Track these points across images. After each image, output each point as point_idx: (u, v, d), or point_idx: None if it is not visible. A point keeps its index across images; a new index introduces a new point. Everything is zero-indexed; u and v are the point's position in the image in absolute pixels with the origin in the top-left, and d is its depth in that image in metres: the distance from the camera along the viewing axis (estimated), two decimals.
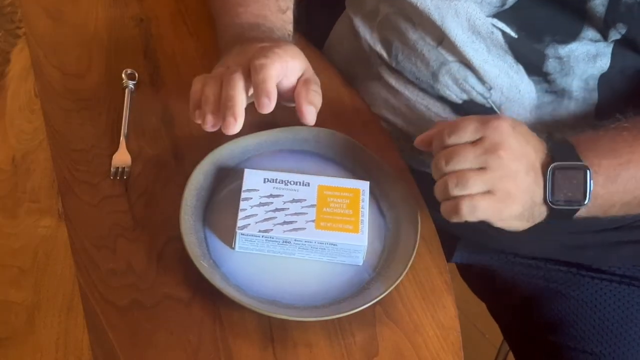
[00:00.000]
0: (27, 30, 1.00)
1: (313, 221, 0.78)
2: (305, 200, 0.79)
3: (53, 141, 0.88)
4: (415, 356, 0.75)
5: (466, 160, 0.70)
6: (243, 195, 0.79)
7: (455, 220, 0.72)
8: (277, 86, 0.79)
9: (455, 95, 0.87)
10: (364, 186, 0.81)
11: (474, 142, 0.71)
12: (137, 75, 0.95)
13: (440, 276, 0.81)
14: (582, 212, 0.74)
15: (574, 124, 0.85)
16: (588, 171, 0.72)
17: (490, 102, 0.86)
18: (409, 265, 0.77)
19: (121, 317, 0.75)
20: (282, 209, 0.78)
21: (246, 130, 0.87)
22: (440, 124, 0.74)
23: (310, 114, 0.80)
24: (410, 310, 0.78)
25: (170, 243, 0.80)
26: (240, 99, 0.77)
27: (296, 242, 0.77)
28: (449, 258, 1.02)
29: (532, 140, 0.74)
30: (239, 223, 0.77)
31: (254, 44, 0.82)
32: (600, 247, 0.96)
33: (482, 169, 0.70)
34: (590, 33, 0.80)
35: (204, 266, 0.76)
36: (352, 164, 0.86)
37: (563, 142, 0.75)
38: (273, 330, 0.75)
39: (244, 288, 0.77)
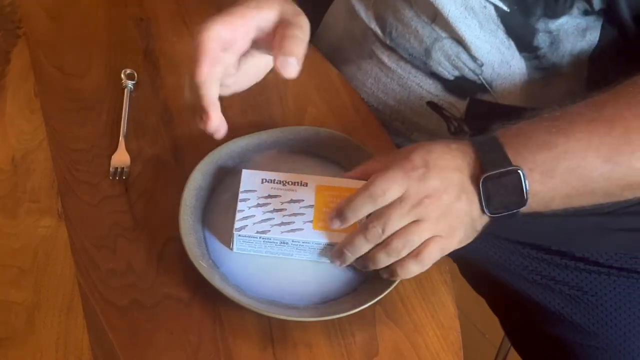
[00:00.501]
0: (27, 30, 1.00)
1: (311, 222, 0.77)
2: (304, 200, 0.79)
3: (53, 141, 0.88)
4: (415, 356, 0.75)
5: (400, 221, 0.72)
6: (241, 196, 0.78)
7: (415, 274, 0.74)
8: (258, 42, 0.73)
9: (447, 71, 0.88)
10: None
11: (400, 199, 0.71)
12: (136, 75, 0.95)
13: (440, 276, 0.81)
14: (523, 209, 0.74)
15: (564, 99, 0.85)
16: (520, 172, 0.71)
17: (482, 79, 0.87)
18: None
19: (121, 317, 0.75)
20: (280, 210, 0.78)
21: (246, 130, 0.87)
22: (376, 161, 0.77)
23: (286, 67, 0.69)
24: (410, 310, 0.78)
25: (170, 243, 0.80)
26: (206, 88, 0.69)
27: (294, 242, 0.77)
28: None
29: (451, 160, 0.73)
30: (237, 224, 0.77)
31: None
32: (589, 234, 0.96)
33: (417, 221, 0.72)
34: (575, 3, 0.80)
35: (203, 266, 0.76)
36: (351, 163, 0.86)
37: (491, 142, 0.73)
38: (273, 330, 0.75)
39: (244, 288, 0.77)
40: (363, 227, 0.73)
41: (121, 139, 0.88)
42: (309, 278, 0.79)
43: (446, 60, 0.88)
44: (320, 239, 0.77)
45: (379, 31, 0.93)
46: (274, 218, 0.77)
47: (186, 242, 0.77)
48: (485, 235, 1.01)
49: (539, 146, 0.73)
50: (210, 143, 0.85)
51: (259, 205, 0.78)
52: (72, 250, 0.79)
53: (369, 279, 0.79)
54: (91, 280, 0.78)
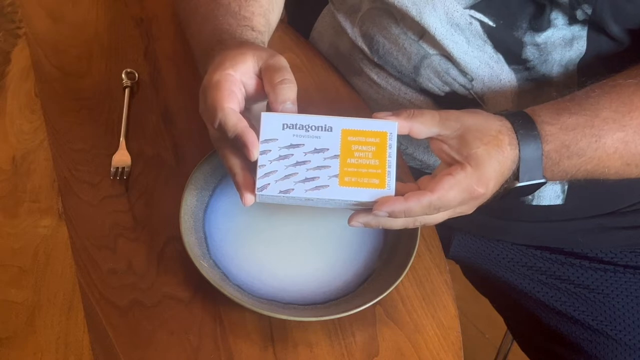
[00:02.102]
0: (28, 30, 1.00)
1: (336, 176, 0.71)
2: (328, 149, 0.71)
3: (53, 141, 0.88)
4: (416, 356, 0.75)
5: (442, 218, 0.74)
6: (261, 147, 0.71)
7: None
8: (248, 95, 0.74)
9: (438, 87, 0.88)
10: (391, 128, 0.72)
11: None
12: (137, 75, 0.95)
13: (440, 276, 0.81)
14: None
15: None
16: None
17: (473, 93, 0.87)
18: (409, 265, 0.77)
19: (121, 317, 0.75)
20: (303, 162, 0.71)
21: None
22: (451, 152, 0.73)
23: (286, 111, 0.72)
24: (410, 310, 0.78)
25: (170, 243, 0.80)
26: (235, 170, 0.72)
27: (319, 200, 0.72)
28: (446, 251, 1.03)
29: (504, 177, 0.74)
30: (258, 183, 0.70)
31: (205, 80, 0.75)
32: (592, 234, 0.97)
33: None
34: (558, 16, 0.80)
35: (204, 266, 0.76)
36: None
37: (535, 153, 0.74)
38: (273, 330, 0.75)
39: (244, 288, 0.77)
40: (406, 219, 0.72)
41: (122, 138, 0.88)
42: (309, 278, 0.79)
43: (435, 76, 0.88)
44: (346, 197, 0.71)
45: (365, 48, 0.92)
46: (297, 173, 0.71)
47: (187, 242, 0.77)
48: (490, 239, 1.02)
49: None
50: (210, 143, 0.85)
51: (280, 157, 0.71)
52: (72, 250, 0.80)
53: (369, 279, 0.79)
54: (91, 280, 0.78)
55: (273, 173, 0.71)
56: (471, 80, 0.86)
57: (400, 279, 0.76)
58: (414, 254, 0.78)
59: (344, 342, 0.75)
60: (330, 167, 0.71)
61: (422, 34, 0.86)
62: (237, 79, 0.72)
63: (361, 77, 0.95)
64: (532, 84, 0.85)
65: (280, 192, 0.70)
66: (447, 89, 0.88)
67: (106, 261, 0.79)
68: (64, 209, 0.83)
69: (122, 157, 0.87)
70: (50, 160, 0.87)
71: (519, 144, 0.72)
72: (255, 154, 0.69)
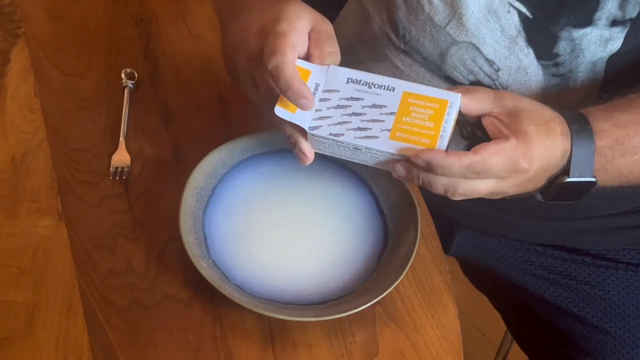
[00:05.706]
0: (27, 30, 1.00)
1: (388, 130, 0.71)
2: (386, 106, 0.72)
3: (53, 141, 0.88)
4: (416, 356, 0.75)
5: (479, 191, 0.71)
6: (322, 95, 0.73)
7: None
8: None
9: (462, 76, 0.88)
10: (453, 99, 0.72)
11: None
12: (136, 75, 0.95)
13: (440, 276, 0.81)
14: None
15: (576, 104, 0.86)
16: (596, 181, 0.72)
17: (497, 84, 0.86)
18: (409, 265, 0.77)
19: (121, 317, 0.75)
20: (360, 114, 0.72)
21: (246, 129, 0.87)
22: (499, 125, 0.72)
23: None
24: (410, 310, 0.78)
25: (170, 243, 0.80)
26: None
27: (367, 150, 0.72)
28: (448, 247, 1.03)
29: (553, 165, 0.72)
30: (311, 123, 0.72)
31: (255, 34, 0.77)
32: (596, 233, 0.97)
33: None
34: (602, 16, 0.79)
35: (203, 266, 0.76)
36: (352, 163, 0.86)
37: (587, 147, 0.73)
38: (273, 330, 0.75)
39: (244, 288, 0.77)
40: (448, 181, 0.70)
41: (121, 138, 0.88)
42: (309, 278, 0.79)
43: (461, 64, 0.87)
44: (393, 150, 0.71)
45: (392, 34, 0.92)
46: (351, 122, 0.72)
47: (186, 242, 0.77)
48: (492, 235, 1.02)
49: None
50: (210, 143, 0.85)
51: (338, 106, 0.73)
52: (72, 250, 0.79)
53: (369, 279, 0.79)
54: (91, 280, 0.78)
55: (328, 118, 0.72)
56: (497, 70, 0.85)
57: (400, 278, 0.76)
58: (414, 254, 0.78)
59: (343, 342, 0.75)
60: (384, 121, 0.72)
61: (449, 20, 0.85)
62: (302, 33, 0.73)
63: (384, 64, 0.94)
64: (559, 79, 0.85)
65: (331, 134, 0.72)
66: (471, 77, 0.87)
67: (106, 261, 0.79)
68: (63, 209, 0.83)
69: (121, 157, 0.87)
70: (50, 160, 0.87)
71: (572, 137, 0.71)
72: (310, 103, 0.71)
